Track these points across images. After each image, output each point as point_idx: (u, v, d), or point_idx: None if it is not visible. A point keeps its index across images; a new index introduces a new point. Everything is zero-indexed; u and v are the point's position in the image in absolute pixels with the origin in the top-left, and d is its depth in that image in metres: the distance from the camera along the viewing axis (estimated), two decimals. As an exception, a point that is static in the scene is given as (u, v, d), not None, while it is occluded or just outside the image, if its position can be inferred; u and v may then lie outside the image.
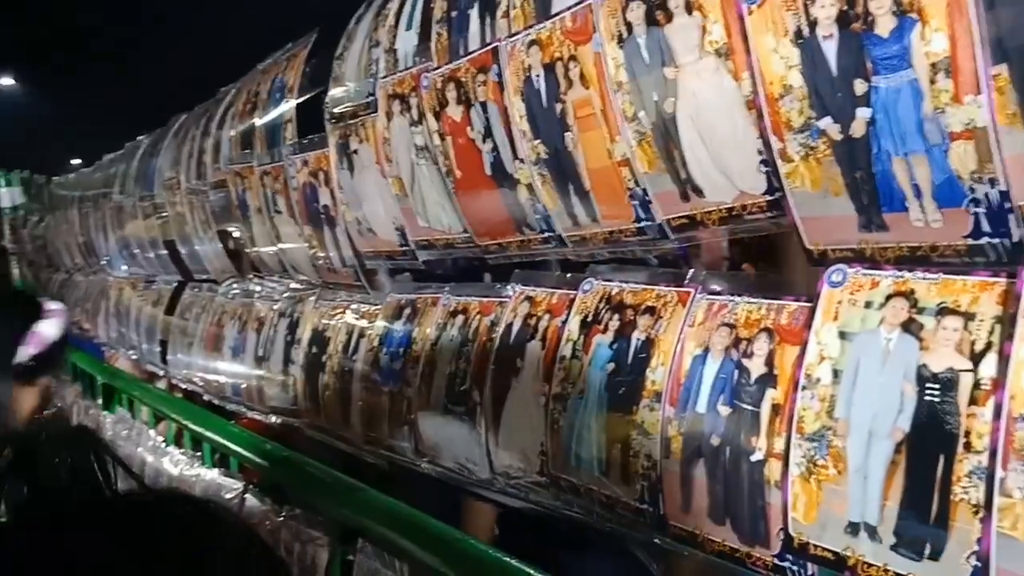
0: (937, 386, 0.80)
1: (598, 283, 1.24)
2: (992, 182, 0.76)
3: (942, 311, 0.82)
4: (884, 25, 0.79)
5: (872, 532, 0.83)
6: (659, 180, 1.07)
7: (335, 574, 1.41)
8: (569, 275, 1.32)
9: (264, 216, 2.17)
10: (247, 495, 1.78)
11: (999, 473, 0.74)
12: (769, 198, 0.97)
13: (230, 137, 2.36)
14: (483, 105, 1.29)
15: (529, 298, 1.36)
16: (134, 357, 3.57)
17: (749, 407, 0.97)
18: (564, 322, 1.25)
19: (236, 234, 2.48)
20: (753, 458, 0.96)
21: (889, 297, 0.87)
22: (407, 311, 1.66)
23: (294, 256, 2.12)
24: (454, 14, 1.36)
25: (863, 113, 0.83)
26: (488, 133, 1.30)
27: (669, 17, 0.98)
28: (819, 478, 0.88)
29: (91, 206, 4.16)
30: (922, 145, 0.79)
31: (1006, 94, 0.72)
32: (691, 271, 1.13)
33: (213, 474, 2.03)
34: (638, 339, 1.13)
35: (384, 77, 1.54)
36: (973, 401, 0.77)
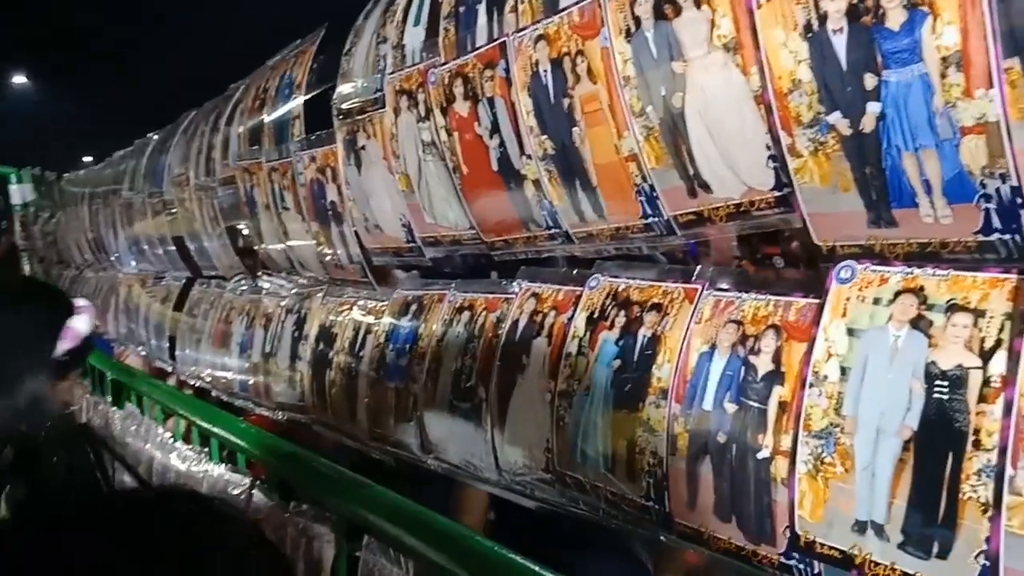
0: (946, 383, 0.79)
1: (605, 279, 1.24)
2: (1003, 177, 0.75)
3: (952, 308, 0.81)
4: (895, 18, 0.78)
5: (880, 530, 0.83)
6: (666, 176, 1.07)
7: (341, 570, 1.41)
8: (576, 271, 1.32)
9: (272, 212, 2.17)
10: (254, 491, 1.78)
11: (1008, 471, 0.73)
12: (777, 194, 0.96)
13: (239, 133, 2.36)
14: (490, 101, 1.29)
15: (535, 294, 1.35)
16: (143, 353, 3.59)
17: (756, 404, 0.97)
18: (570, 319, 1.25)
19: (246, 232, 2.49)
20: (759, 455, 0.95)
21: (898, 294, 0.86)
22: (413, 307, 1.66)
23: (301, 252, 2.13)
24: (462, 9, 1.35)
25: (873, 108, 0.82)
26: (495, 129, 1.30)
27: (677, 11, 0.98)
28: (826, 476, 0.88)
29: (101, 202, 4.18)
30: (932, 140, 0.79)
31: (1019, 88, 0.72)
32: (699, 267, 1.13)
33: (220, 470, 2.03)
34: (644, 336, 1.13)
35: (392, 73, 1.54)
36: (982, 398, 0.77)
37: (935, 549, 0.78)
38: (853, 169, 0.86)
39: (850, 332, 0.89)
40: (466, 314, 1.49)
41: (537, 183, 1.26)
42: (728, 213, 1.03)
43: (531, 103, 1.21)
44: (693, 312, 1.08)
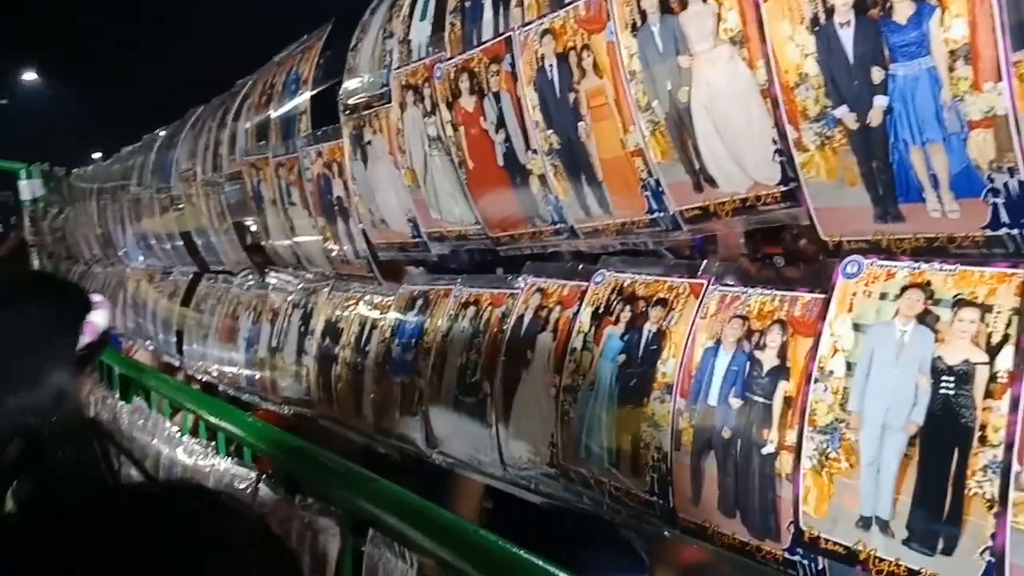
0: (952, 379, 0.79)
1: (610, 274, 1.23)
2: (1012, 172, 0.74)
3: (958, 303, 0.81)
4: (902, 11, 0.77)
5: (884, 526, 0.82)
6: (672, 170, 1.06)
7: (346, 564, 1.41)
8: (581, 267, 1.32)
9: (278, 208, 2.18)
10: (260, 485, 1.78)
11: (1015, 467, 0.73)
12: (783, 188, 0.95)
13: (246, 129, 2.37)
14: (496, 95, 1.29)
15: (540, 289, 1.35)
16: (151, 348, 3.60)
17: (761, 399, 0.96)
18: (575, 313, 1.25)
19: (253, 227, 2.50)
20: (764, 451, 0.95)
21: (904, 289, 0.86)
22: (419, 302, 1.66)
23: (308, 247, 2.13)
24: (468, 4, 1.35)
25: (880, 101, 0.81)
26: (501, 123, 1.30)
27: (684, 5, 0.97)
28: (831, 471, 0.87)
29: (109, 198, 4.20)
30: (940, 134, 0.78)
31: (1027, 81, 0.71)
32: (704, 262, 1.12)
33: (227, 464, 2.04)
34: (649, 331, 1.12)
35: (398, 68, 1.54)
36: (989, 394, 0.76)
37: (940, 545, 0.78)
38: (860, 163, 0.85)
39: (856, 327, 0.88)
40: (471, 309, 1.49)
41: (543, 178, 1.26)
42: (734, 208, 1.02)
43: (537, 98, 1.21)
44: (698, 307, 1.08)
